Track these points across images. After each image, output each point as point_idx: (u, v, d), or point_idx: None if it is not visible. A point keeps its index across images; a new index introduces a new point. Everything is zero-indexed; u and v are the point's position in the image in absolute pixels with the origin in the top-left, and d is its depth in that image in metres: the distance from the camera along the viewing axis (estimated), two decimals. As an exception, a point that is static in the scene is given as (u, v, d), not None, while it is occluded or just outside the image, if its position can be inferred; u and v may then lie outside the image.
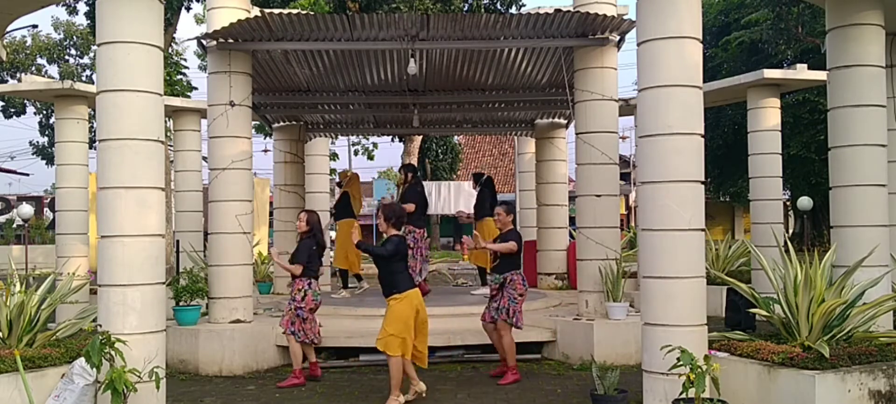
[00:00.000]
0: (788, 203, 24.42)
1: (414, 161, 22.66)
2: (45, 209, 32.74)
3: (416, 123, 13.09)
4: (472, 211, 12.38)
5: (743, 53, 23.02)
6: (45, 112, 30.83)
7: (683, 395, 5.52)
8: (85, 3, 22.64)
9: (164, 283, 6.50)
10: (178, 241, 12.53)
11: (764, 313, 6.68)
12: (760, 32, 22.23)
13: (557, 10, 8.53)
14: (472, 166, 38.83)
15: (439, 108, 13.12)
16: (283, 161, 13.14)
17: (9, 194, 40.04)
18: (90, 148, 12.02)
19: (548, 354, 9.11)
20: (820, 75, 11.26)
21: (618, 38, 9.00)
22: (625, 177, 35.50)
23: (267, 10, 8.83)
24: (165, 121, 14.51)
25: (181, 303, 8.94)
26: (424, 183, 11.97)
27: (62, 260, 11.32)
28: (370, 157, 30.13)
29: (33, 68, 30.12)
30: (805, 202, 19.88)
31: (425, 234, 11.11)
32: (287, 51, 9.60)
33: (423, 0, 17.80)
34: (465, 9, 19.21)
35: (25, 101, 28.45)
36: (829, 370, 5.78)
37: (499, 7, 20.16)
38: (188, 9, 20.06)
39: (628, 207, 37.84)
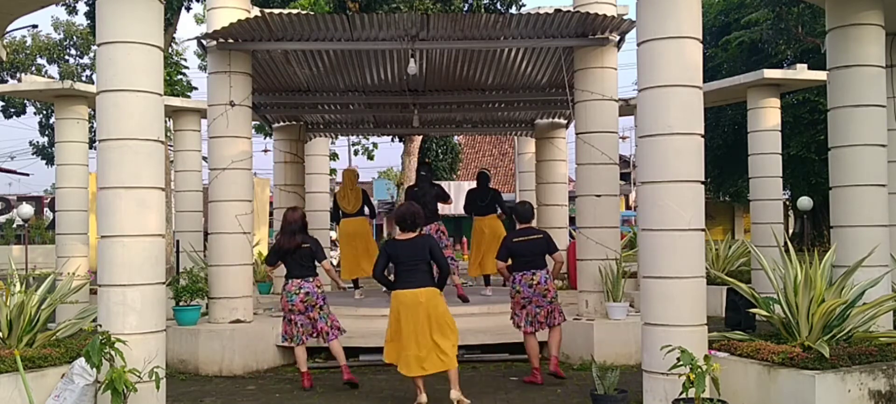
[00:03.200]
0: (788, 203, 24.40)
1: (414, 161, 22.62)
2: (45, 209, 32.73)
3: (416, 123, 13.09)
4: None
5: (743, 53, 23.00)
6: (45, 112, 30.82)
7: (683, 395, 5.52)
8: (85, 3, 22.64)
9: (164, 283, 6.50)
10: (178, 241, 12.53)
11: (764, 313, 6.68)
12: (760, 32, 22.21)
13: (557, 10, 8.53)
14: (472, 166, 38.83)
15: (439, 108, 13.12)
16: (283, 161, 13.14)
17: (9, 194, 40.03)
18: (90, 148, 12.02)
19: (548, 354, 9.09)
20: (820, 75, 11.26)
21: (618, 38, 9.00)
22: (625, 177, 35.50)
23: (267, 10, 8.84)
24: (165, 121, 14.51)
25: (181, 303, 8.94)
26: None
27: (62, 260, 11.32)
28: (370, 157, 30.14)
29: (33, 68, 30.11)
30: (805, 202, 19.89)
31: (433, 231, 10.47)
32: (287, 51, 9.60)
33: (423, 0, 17.79)
34: (465, 9, 19.19)
35: (25, 101, 28.44)
36: (829, 370, 5.77)
37: (499, 7, 20.14)
38: (188, 9, 20.07)
39: (628, 207, 37.83)
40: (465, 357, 8.97)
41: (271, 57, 9.92)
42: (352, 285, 11.44)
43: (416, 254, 6.84)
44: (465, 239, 35.46)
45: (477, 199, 11.60)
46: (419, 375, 6.78)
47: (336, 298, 11.20)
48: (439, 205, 11.16)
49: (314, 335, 7.95)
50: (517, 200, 16.33)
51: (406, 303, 6.73)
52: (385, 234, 36.25)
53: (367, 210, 11.53)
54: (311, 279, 7.87)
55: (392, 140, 24.96)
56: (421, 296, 6.73)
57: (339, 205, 11.33)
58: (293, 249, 7.82)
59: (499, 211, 11.47)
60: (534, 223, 8.68)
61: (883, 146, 7.57)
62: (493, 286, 11.83)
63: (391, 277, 7.05)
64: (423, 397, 6.80)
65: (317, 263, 7.97)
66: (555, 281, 7.96)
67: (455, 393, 6.75)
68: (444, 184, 31.32)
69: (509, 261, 7.96)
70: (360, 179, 12.71)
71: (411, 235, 6.95)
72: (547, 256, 7.97)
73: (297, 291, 7.81)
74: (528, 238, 7.89)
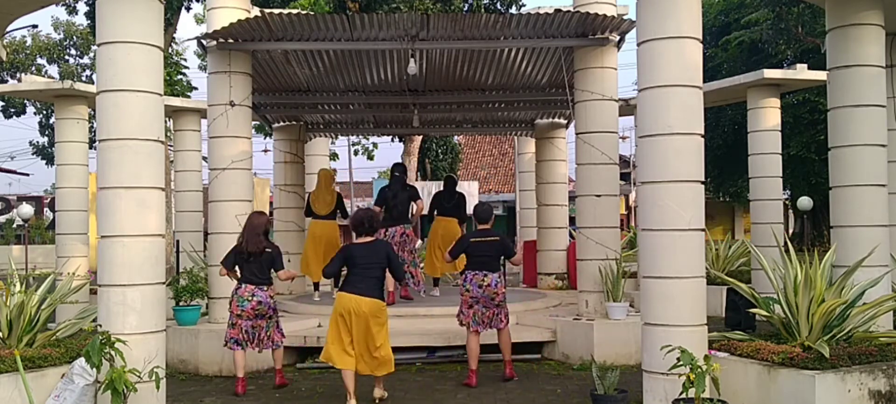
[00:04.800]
0: (788, 203, 24.40)
1: (414, 161, 22.62)
2: (45, 209, 32.71)
3: (416, 123, 13.10)
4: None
5: (743, 53, 23.00)
6: (45, 112, 30.82)
7: (683, 395, 5.53)
8: (85, 3, 22.65)
9: (164, 283, 6.50)
10: (178, 241, 12.52)
11: (764, 313, 6.68)
12: (760, 32, 22.21)
13: (557, 10, 8.53)
14: (472, 166, 38.81)
15: (439, 108, 13.13)
16: (283, 161, 13.13)
17: (9, 194, 39.97)
18: (90, 148, 12.03)
19: (548, 354, 9.11)
20: (820, 75, 11.26)
21: (618, 38, 9.00)
22: (625, 177, 35.46)
23: (267, 10, 8.84)
24: (165, 121, 14.51)
25: (181, 303, 8.95)
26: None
27: (62, 260, 11.32)
28: (370, 157, 30.16)
29: (33, 68, 30.11)
30: (805, 202, 19.89)
31: (398, 234, 10.50)
32: (287, 51, 9.61)
33: (423, 0, 17.79)
34: (465, 9, 19.20)
35: (25, 101, 28.44)
36: (829, 370, 5.78)
37: (499, 7, 20.14)
38: (188, 9, 20.08)
39: (628, 207, 37.81)
40: (465, 357, 8.96)
41: (271, 57, 9.92)
42: (313, 287, 11.32)
43: (372, 260, 6.87)
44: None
45: (444, 201, 11.66)
46: (357, 372, 6.87)
47: (321, 300, 11.18)
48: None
49: (255, 344, 7.74)
50: (517, 201, 16.39)
51: (348, 308, 6.75)
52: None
53: (338, 213, 11.22)
54: (265, 287, 7.65)
55: (392, 140, 24.95)
56: (364, 305, 6.73)
57: (312, 205, 11.04)
58: (258, 253, 7.61)
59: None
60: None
61: (883, 146, 7.58)
62: (440, 286, 11.76)
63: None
64: (353, 402, 6.83)
65: (273, 272, 7.74)
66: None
67: (379, 392, 7.07)
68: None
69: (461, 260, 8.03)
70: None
71: (368, 239, 6.99)
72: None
73: (250, 298, 7.58)
74: (484, 239, 7.91)
